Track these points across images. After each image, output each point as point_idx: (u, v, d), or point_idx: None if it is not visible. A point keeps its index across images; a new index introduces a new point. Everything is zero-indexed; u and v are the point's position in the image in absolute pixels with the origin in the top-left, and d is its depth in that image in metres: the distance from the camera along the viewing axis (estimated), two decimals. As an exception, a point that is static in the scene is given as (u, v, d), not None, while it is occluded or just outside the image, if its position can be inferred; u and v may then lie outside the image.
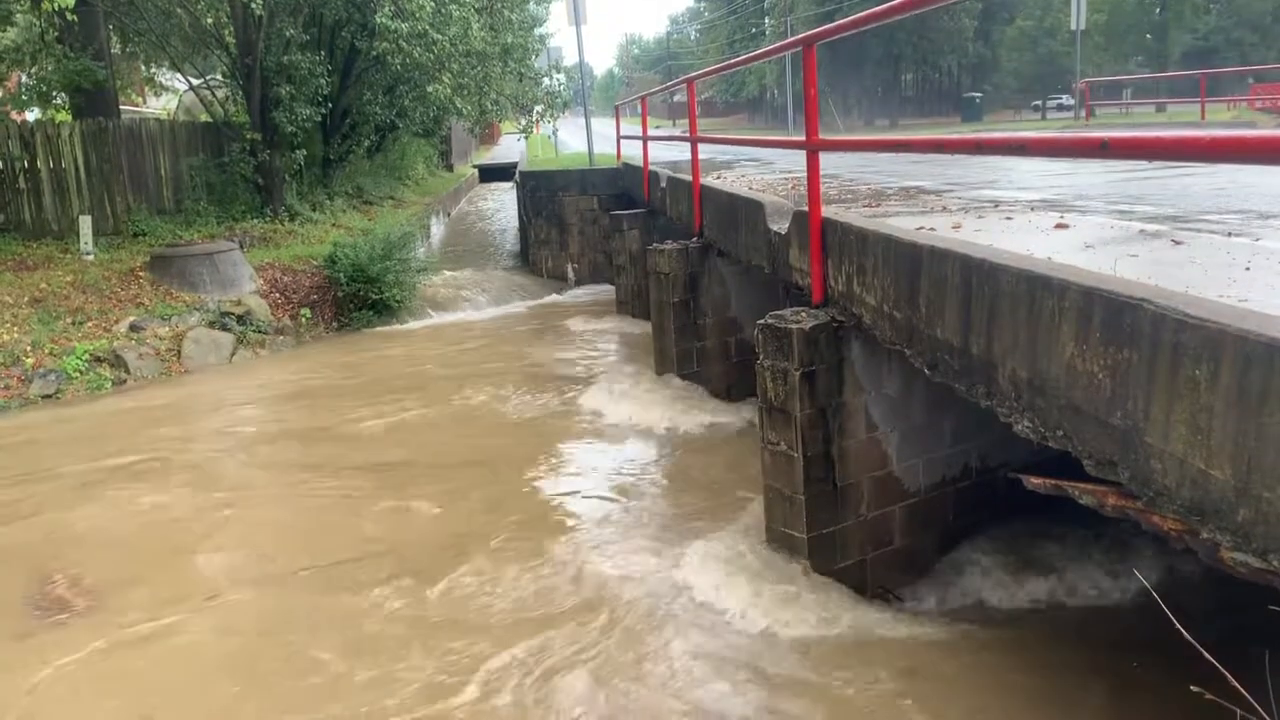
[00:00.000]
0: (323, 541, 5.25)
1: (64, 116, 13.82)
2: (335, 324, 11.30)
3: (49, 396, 8.42)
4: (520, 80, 16.44)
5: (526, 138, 19.66)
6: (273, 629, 4.31)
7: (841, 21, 4.14)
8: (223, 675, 3.92)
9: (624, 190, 13.57)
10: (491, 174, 24.78)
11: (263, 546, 5.22)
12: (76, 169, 12.31)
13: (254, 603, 4.58)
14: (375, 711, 3.60)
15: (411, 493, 5.93)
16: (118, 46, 15.39)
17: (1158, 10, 41.39)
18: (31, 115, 14.12)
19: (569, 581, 4.64)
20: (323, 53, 14.18)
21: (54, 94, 13.54)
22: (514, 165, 21.64)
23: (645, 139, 11.39)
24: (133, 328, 9.57)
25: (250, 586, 4.74)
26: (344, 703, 3.66)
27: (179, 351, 9.49)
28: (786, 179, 9.15)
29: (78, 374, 8.71)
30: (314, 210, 14.38)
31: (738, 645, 3.94)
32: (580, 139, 18.61)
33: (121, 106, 15.41)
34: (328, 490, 6.09)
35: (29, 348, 8.81)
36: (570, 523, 5.41)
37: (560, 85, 18.69)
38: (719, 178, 9.59)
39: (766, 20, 57.09)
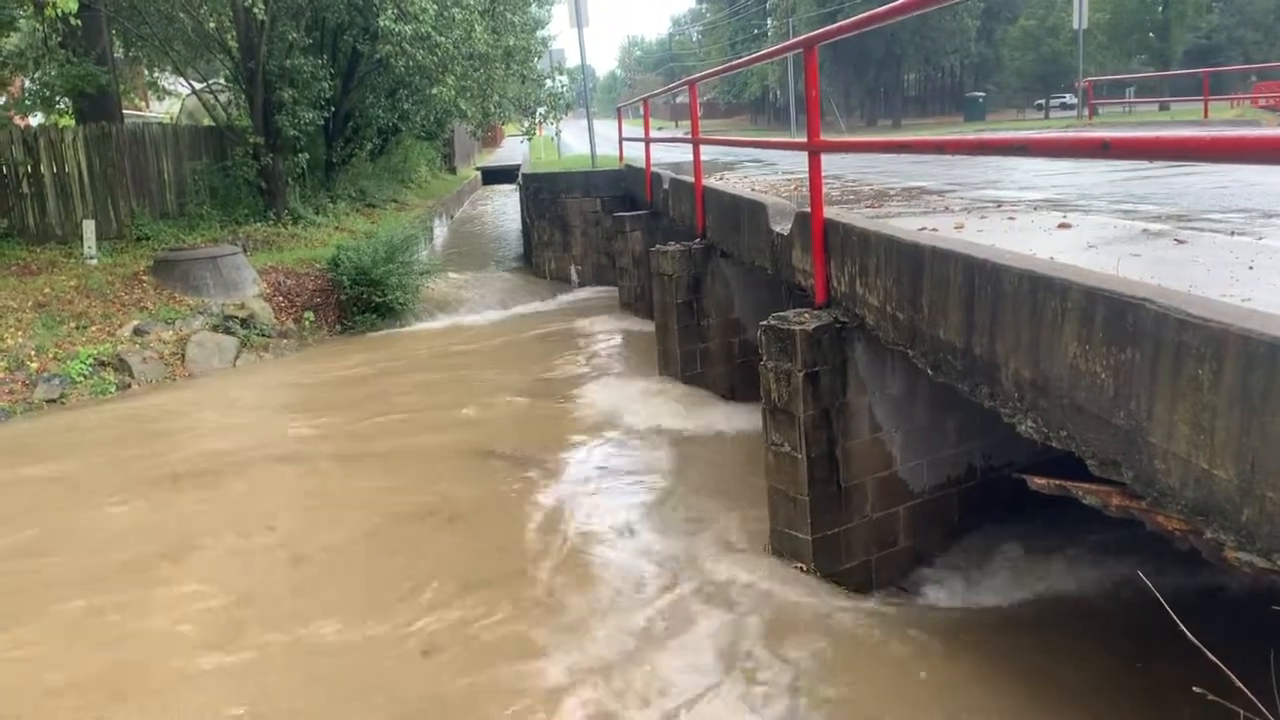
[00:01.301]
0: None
1: (67, 121, 13.86)
2: (338, 327, 11.30)
3: (53, 401, 8.43)
4: (523, 82, 16.44)
5: (529, 140, 19.63)
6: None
7: (843, 22, 4.14)
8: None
9: (627, 192, 13.57)
10: (494, 176, 24.84)
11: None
12: (80, 173, 12.35)
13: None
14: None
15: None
16: (120, 51, 15.41)
17: (1160, 9, 41.30)
18: (35, 120, 14.16)
19: (577, 576, 4.65)
20: (325, 56, 14.20)
21: (57, 99, 13.56)
22: (517, 167, 21.65)
23: (648, 140, 11.39)
24: (136, 331, 9.59)
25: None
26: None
27: (183, 355, 9.50)
28: (789, 180, 9.13)
29: (82, 378, 8.72)
30: (317, 213, 14.39)
31: (737, 647, 3.94)
32: (583, 141, 18.62)
33: (124, 111, 15.44)
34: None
35: (33, 352, 8.83)
36: (572, 521, 5.41)
37: (563, 87, 18.68)
38: (722, 179, 9.58)
39: (768, 21, 57.13)
